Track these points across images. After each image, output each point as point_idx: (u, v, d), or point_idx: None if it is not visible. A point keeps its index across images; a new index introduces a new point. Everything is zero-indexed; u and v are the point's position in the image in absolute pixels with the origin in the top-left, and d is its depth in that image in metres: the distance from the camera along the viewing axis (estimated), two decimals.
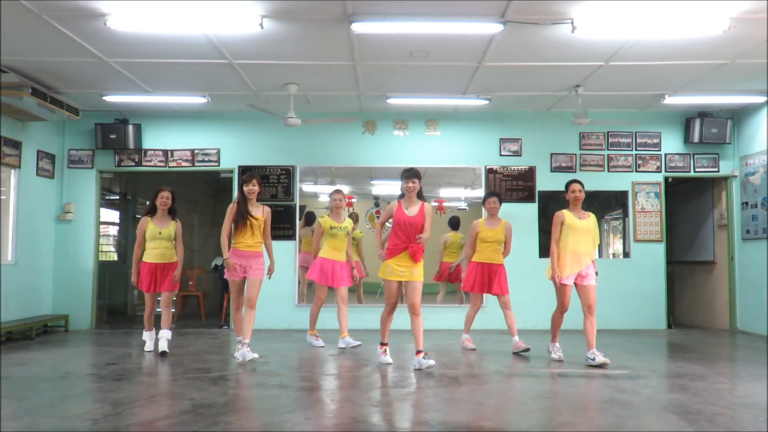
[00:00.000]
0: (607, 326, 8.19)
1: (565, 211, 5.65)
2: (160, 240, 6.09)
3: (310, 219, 8.55)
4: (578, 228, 5.54)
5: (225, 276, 5.77)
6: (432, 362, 5.25)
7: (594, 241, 5.63)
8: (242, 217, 5.60)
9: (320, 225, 6.47)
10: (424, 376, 5.02)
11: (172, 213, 6.25)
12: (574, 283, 5.55)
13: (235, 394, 4.48)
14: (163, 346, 6.02)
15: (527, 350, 6.03)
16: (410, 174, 5.42)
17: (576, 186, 5.65)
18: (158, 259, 6.10)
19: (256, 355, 5.66)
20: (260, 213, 5.73)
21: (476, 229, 6.40)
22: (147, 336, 6.32)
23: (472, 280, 6.31)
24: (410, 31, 5.58)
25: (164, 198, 6.15)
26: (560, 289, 5.59)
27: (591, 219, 5.65)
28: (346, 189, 8.87)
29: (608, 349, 6.37)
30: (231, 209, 5.69)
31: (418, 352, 5.29)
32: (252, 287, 5.65)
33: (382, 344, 5.56)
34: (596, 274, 5.58)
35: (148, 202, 6.39)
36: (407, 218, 5.37)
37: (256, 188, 5.68)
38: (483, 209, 6.82)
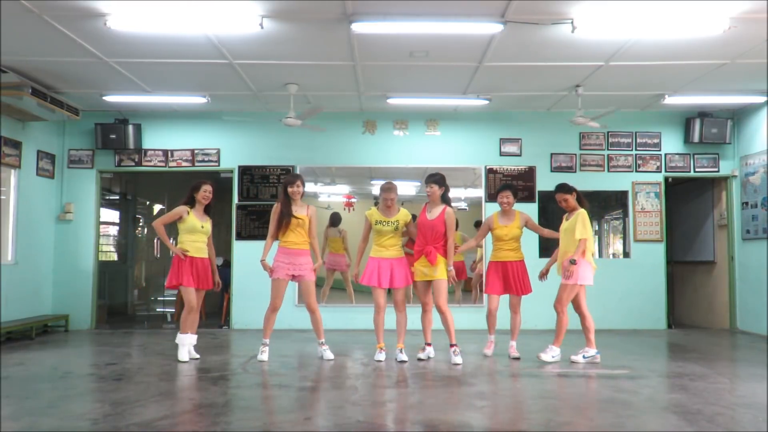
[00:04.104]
0: (607, 326, 8.19)
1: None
2: (200, 234, 5.78)
3: (335, 220, 8.57)
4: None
5: (271, 276, 5.66)
6: (460, 360, 5.58)
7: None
8: (286, 217, 5.62)
9: (367, 219, 5.78)
10: (424, 377, 5.03)
11: (207, 210, 5.97)
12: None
13: (235, 394, 4.47)
14: (194, 353, 5.88)
15: (517, 359, 5.83)
16: (428, 179, 5.69)
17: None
18: (199, 254, 5.77)
19: (331, 356, 5.80)
20: (304, 212, 5.71)
21: (490, 224, 6.03)
22: (184, 339, 5.74)
23: (491, 282, 5.96)
24: (410, 31, 5.58)
25: (206, 192, 5.82)
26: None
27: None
28: (345, 189, 8.89)
29: (608, 349, 6.38)
30: (275, 210, 5.73)
31: (452, 345, 5.65)
32: (307, 291, 5.72)
33: (427, 344, 5.85)
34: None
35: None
36: (427, 221, 5.62)
37: (300, 189, 5.70)
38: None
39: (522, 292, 5.93)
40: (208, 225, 5.88)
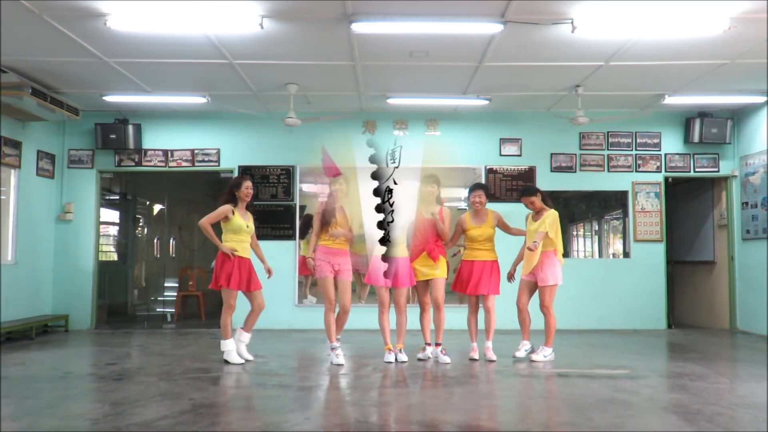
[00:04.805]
0: (607, 326, 8.20)
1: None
2: (245, 233, 5.59)
3: None
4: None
5: (316, 275, 5.61)
6: (448, 360, 5.61)
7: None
8: (329, 215, 5.63)
9: None
10: (424, 377, 5.03)
11: (248, 207, 5.80)
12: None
13: (235, 394, 4.48)
14: (246, 353, 5.72)
15: (492, 361, 5.72)
16: (429, 180, 5.88)
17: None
18: (245, 254, 5.62)
19: (342, 362, 5.51)
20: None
21: (462, 225, 5.91)
22: (230, 344, 5.59)
23: (460, 281, 5.87)
24: (410, 31, 5.58)
25: (248, 188, 5.62)
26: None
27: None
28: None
29: (608, 350, 6.39)
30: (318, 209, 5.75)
31: (437, 344, 5.72)
32: (344, 290, 5.64)
33: (427, 344, 5.84)
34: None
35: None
36: (426, 220, 5.76)
37: (343, 187, 5.76)
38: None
39: (489, 291, 5.76)
40: (252, 223, 5.72)
